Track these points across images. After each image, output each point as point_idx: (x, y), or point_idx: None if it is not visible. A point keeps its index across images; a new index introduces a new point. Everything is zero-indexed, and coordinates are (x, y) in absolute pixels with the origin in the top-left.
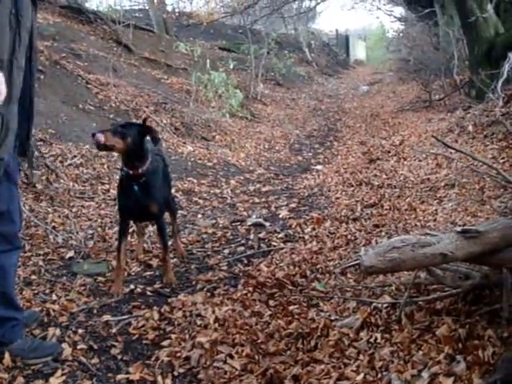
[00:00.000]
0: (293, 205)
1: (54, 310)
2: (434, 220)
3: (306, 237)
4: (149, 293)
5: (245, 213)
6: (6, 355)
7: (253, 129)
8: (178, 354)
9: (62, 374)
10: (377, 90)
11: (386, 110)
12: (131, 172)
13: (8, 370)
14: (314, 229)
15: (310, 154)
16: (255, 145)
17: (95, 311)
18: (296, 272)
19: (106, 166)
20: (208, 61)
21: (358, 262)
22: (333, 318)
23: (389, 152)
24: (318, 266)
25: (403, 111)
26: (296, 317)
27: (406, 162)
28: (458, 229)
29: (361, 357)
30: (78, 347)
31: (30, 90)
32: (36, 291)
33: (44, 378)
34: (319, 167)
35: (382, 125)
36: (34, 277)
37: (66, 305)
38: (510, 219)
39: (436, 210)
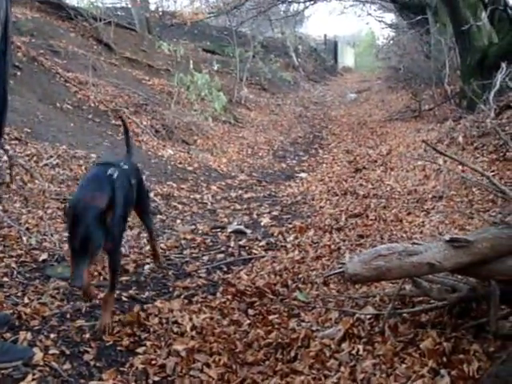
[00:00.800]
0: (275, 212)
1: (25, 314)
2: (421, 232)
3: (288, 245)
4: (124, 298)
5: (225, 219)
6: None
7: (236, 134)
8: (153, 362)
9: (33, 379)
10: (365, 98)
11: (374, 119)
12: None
13: None
14: (296, 237)
15: (295, 162)
16: (238, 150)
17: (68, 316)
18: (277, 281)
19: (83, 168)
20: (191, 62)
21: (342, 270)
22: (314, 328)
23: (375, 161)
24: (300, 276)
25: (391, 120)
26: (276, 326)
27: (392, 173)
28: (447, 237)
29: (342, 369)
30: (50, 352)
31: (3, 85)
32: (7, 294)
33: (14, 383)
34: (303, 175)
35: (370, 134)
36: (5, 279)
37: (38, 308)
38: (500, 229)
39: (423, 221)
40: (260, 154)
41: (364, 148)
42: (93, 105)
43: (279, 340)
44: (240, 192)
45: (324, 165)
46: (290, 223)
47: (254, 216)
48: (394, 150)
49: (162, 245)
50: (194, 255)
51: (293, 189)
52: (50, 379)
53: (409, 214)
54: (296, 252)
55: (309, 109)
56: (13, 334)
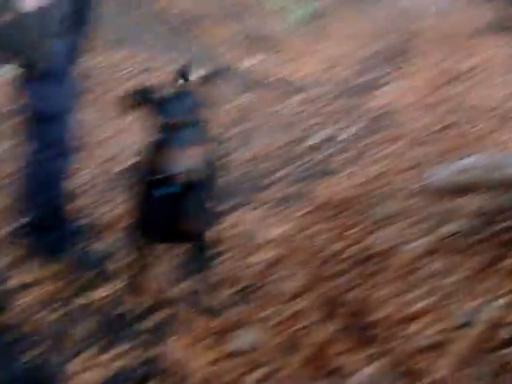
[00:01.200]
0: (357, 126)
1: None
2: (505, 148)
3: (371, 159)
4: None
5: (304, 133)
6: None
7: (317, 45)
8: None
9: None
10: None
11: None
12: None
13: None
14: (379, 151)
15: (380, 74)
16: (318, 61)
17: None
18: (358, 194)
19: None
20: None
21: (426, 183)
22: (395, 242)
23: (465, 74)
24: (384, 189)
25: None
26: (357, 240)
27: (481, 86)
28: None
29: (423, 284)
30: None
31: None
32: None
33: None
34: (387, 87)
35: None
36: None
37: None
38: None
39: (509, 137)
40: (342, 66)
41: (453, 61)
42: (177, 12)
43: (359, 254)
44: (320, 105)
45: (410, 77)
46: (372, 137)
47: (335, 129)
48: (483, 63)
49: (238, 155)
50: (271, 168)
51: (376, 101)
52: None
53: (495, 130)
54: (379, 165)
55: (397, 19)
56: None
